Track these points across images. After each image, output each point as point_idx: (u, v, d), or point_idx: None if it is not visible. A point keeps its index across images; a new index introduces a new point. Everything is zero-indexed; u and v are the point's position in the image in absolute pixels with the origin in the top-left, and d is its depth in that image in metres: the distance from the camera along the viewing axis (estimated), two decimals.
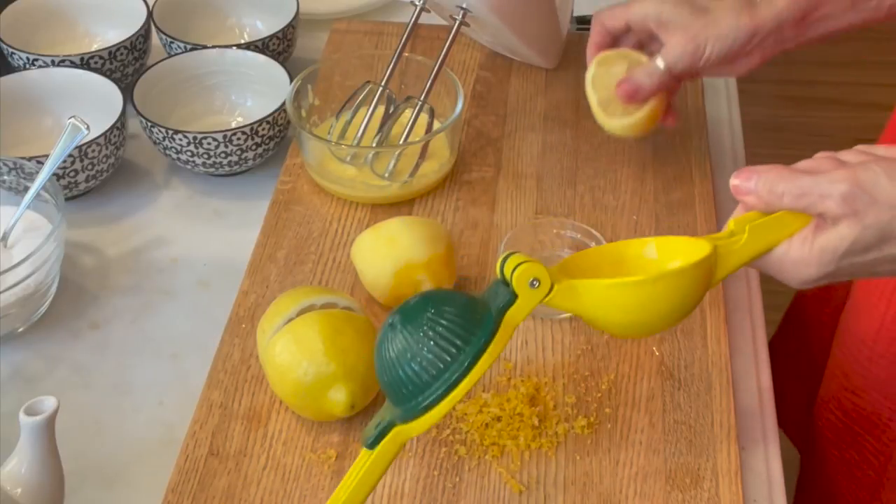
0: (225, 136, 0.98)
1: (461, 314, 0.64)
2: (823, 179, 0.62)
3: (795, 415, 1.12)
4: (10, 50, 1.08)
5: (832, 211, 0.62)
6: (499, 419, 0.79)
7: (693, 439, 0.78)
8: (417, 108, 0.97)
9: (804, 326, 1.12)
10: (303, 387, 0.76)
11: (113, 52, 1.07)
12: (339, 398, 0.75)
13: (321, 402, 0.76)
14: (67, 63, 1.06)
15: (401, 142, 0.96)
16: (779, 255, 0.65)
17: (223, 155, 0.99)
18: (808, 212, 0.64)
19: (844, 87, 2.67)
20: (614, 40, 0.92)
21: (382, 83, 1.00)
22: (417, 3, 1.00)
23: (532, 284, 0.64)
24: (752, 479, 0.78)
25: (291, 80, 1.01)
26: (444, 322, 0.63)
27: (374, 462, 0.65)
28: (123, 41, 1.08)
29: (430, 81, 0.96)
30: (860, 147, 0.66)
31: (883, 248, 0.63)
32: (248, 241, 0.94)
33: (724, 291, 0.89)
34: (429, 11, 1.01)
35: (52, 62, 1.06)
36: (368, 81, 1.00)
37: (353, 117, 1.00)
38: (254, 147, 1.00)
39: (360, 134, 0.99)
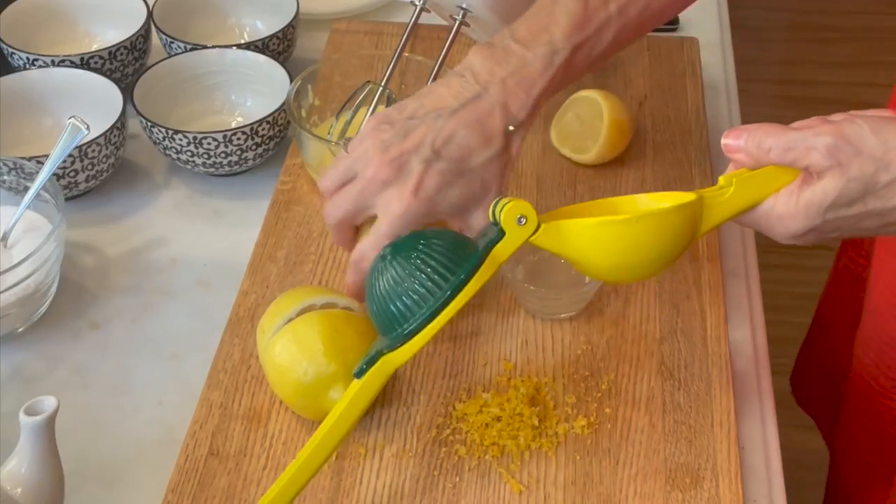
0: (225, 136, 0.98)
1: (450, 248, 0.67)
2: (809, 133, 0.64)
3: (826, 419, 1.12)
4: (10, 50, 1.08)
5: (817, 163, 0.63)
6: (499, 419, 0.79)
7: (693, 439, 0.78)
8: None
9: (829, 330, 1.11)
10: (303, 387, 0.76)
11: (113, 52, 1.07)
12: (338, 398, 0.75)
13: (321, 402, 0.76)
14: (67, 63, 1.06)
15: None
16: (765, 210, 0.66)
17: (223, 155, 0.99)
18: (794, 166, 0.65)
19: (844, 87, 2.67)
20: None
21: (382, 83, 0.99)
22: (417, 3, 1.00)
23: (519, 221, 0.67)
24: (752, 479, 0.78)
25: (291, 80, 1.01)
26: (433, 254, 0.67)
27: (362, 390, 0.68)
28: (123, 41, 1.08)
29: (430, 81, 0.96)
30: (852, 112, 0.67)
31: (867, 202, 0.64)
32: (248, 241, 0.94)
33: (724, 291, 0.89)
34: (429, 11, 1.01)
35: (52, 62, 1.06)
36: (368, 81, 1.00)
37: (353, 117, 1.00)
38: (254, 147, 1.00)
39: None
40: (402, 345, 0.68)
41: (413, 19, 1.00)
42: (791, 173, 0.66)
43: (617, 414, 0.80)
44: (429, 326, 0.67)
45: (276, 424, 0.79)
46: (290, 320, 0.78)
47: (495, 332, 0.86)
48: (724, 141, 0.68)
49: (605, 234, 0.67)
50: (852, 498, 1.02)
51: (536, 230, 0.68)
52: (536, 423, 0.78)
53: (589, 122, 0.99)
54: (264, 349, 0.79)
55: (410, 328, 0.67)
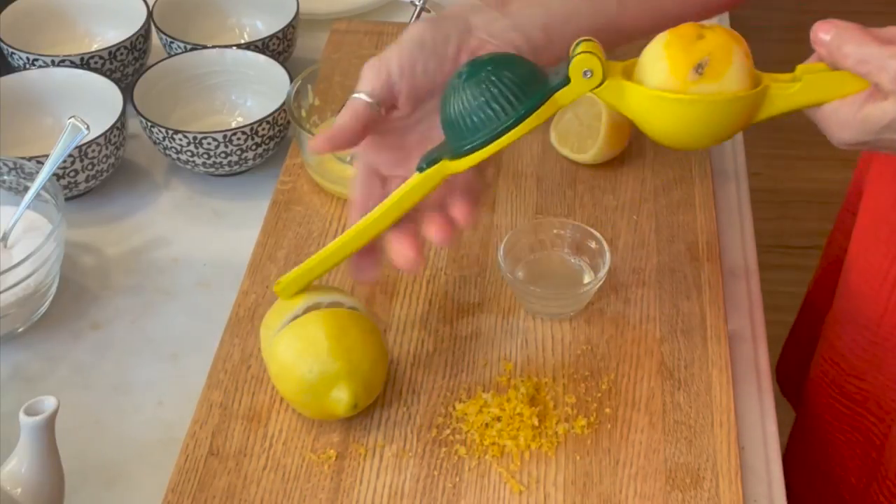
0: (225, 136, 0.98)
1: (518, 81, 0.70)
2: (887, 52, 0.64)
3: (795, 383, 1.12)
4: (10, 50, 1.08)
5: (885, 85, 0.64)
6: (499, 419, 0.79)
7: (693, 439, 0.78)
8: None
9: (818, 318, 1.12)
10: (306, 384, 0.76)
11: (113, 52, 1.07)
12: (342, 397, 0.75)
13: (323, 400, 0.76)
14: (67, 63, 1.06)
15: None
16: (828, 111, 0.67)
17: (223, 155, 0.99)
18: (867, 79, 0.65)
19: None
20: None
21: None
22: (417, 3, 1.00)
23: (585, 74, 0.68)
24: (752, 479, 0.78)
25: (291, 80, 1.01)
26: (501, 83, 0.69)
27: (418, 183, 0.72)
28: (123, 41, 1.08)
29: None
30: None
31: None
32: (248, 241, 0.94)
33: (724, 291, 0.89)
34: (429, 11, 1.01)
35: (52, 62, 1.06)
36: None
37: None
38: (254, 147, 1.00)
39: None
40: (459, 158, 0.71)
41: (413, 19, 1.00)
42: (862, 83, 0.66)
43: (617, 414, 0.80)
44: (486, 148, 0.70)
45: (276, 424, 0.79)
46: (295, 317, 0.78)
47: (495, 332, 0.86)
48: (813, 30, 0.67)
49: (665, 106, 0.67)
50: (815, 478, 1.03)
51: (600, 84, 0.68)
52: (536, 423, 0.78)
53: (588, 122, 0.99)
54: (268, 345, 0.78)
55: (469, 146, 0.70)
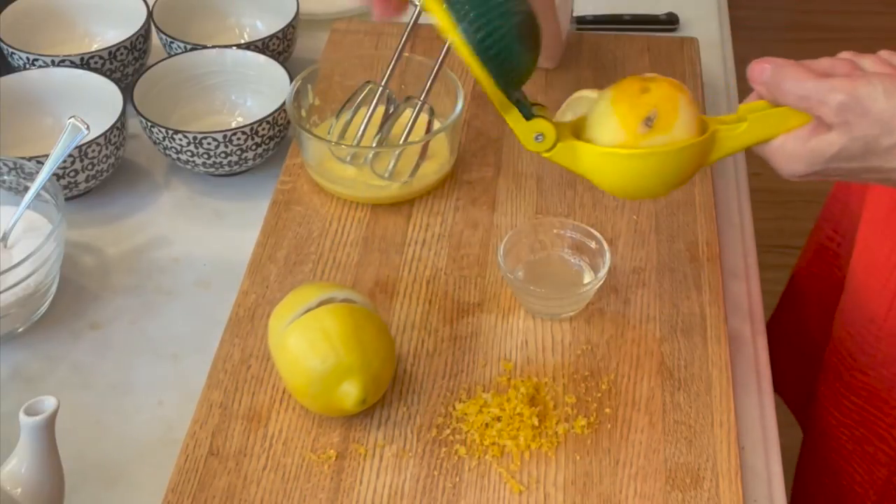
0: (225, 136, 0.98)
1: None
2: (825, 86, 0.66)
3: (798, 395, 1.13)
4: (10, 50, 1.08)
5: (827, 117, 0.66)
6: (499, 419, 0.79)
7: (693, 439, 0.78)
8: (417, 108, 0.97)
9: (802, 305, 1.12)
10: (317, 375, 0.75)
11: (113, 52, 1.07)
12: (351, 391, 0.75)
13: (332, 393, 0.76)
14: (67, 63, 1.06)
15: (401, 142, 0.96)
16: (775, 146, 0.69)
17: (223, 155, 0.99)
18: (809, 113, 0.68)
19: None
20: None
21: (382, 83, 0.99)
22: (417, 3, 1.00)
23: (537, 138, 0.71)
24: (752, 479, 0.78)
25: (291, 80, 1.01)
26: None
27: None
28: (123, 41, 1.08)
29: (430, 81, 0.96)
30: (883, 53, 0.69)
31: (867, 160, 0.67)
32: (248, 241, 0.94)
33: (724, 291, 0.89)
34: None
35: (52, 62, 1.06)
36: (368, 81, 1.00)
37: (353, 117, 1.00)
38: (254, 147, 1.00)
39: (360, 134, 0.99)
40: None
41: (413, 19, 1.00)
42: (804, 117, 0.68)
43: (617, 414, 0.80)
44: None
45: (276, 424, 0.79)
46: (309, 310, 0.78)
47: (495, 332, 0.86)
48: (749, 69, 0.70)
49: (618, 162, 0.69)
50: (824, 475, 1.03)
51: (551, 148, 0.71)
52: (536, 423, 0.78)
53: None
54: (279, 336, 0.78)
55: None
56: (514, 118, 0.72)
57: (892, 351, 0.91)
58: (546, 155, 0.71)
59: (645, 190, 0.72)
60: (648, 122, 0.68)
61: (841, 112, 0.65)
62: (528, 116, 0.71)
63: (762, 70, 0.69)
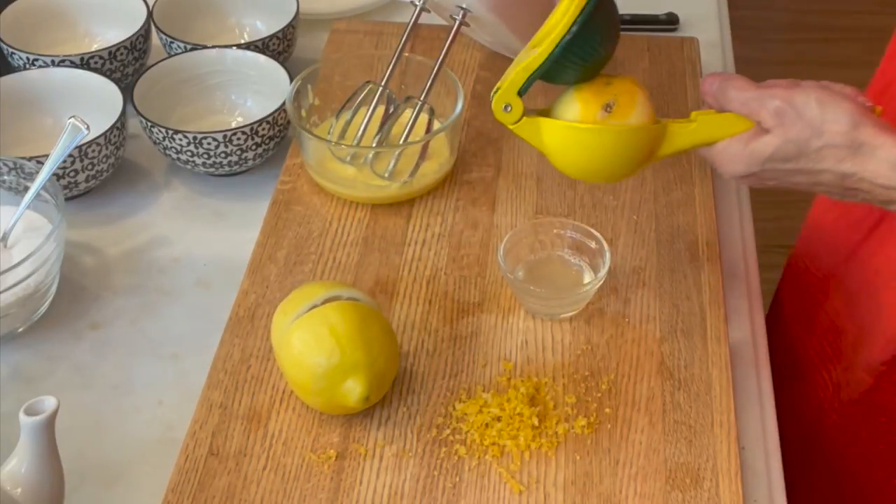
0: (225, 136, 0.98)
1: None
2: (766, 94, 0.74)
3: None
4: (10, 50, 1.08)
5: (766, 121, 0.74)
6: (499, 419, 0.79)
7: (693, 439, 0.78)
8: (417, 108, 0.97)
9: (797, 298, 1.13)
10: (322, 372, 0.75)
11: (113, 52, 1.07)
12: (355, 388, 0.75)
13: (336, 390, 0.76)
14: (67, 63, 1.06)
15: (401, 142, 0.96)
16: (720, 149, 0.76)
17: (223, 155, 0.99)
18: (750, 118, 0.75)
19: None
20: None
21: (382, 83, 1.00)
22: (417, 3, 1.00)
23: (505, 108, 0.76)
24: (752, 479, 0.78)
25: (291, 80, 1.01)
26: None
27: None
28: (123, 41, 1.08)
29: (430, 81, 0.96)
30: (823, 82, 0.76)
31: (800, 161, 0.73)
32: (248, 241, 0.94)
33: (724, 291, 0.89)
34: (429, 11, 1.01)
35: (52, 62, 1.06)
36: (368, 81, 1.00)
37: (353, 117, 1.00)
38: (254, 147, 1.00)
39: (360, 134, 0.99)
40: None
41: (413, 19, 1.00)
42: (747, 123, 0.75)
43: (617, 414, 0.80)
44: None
45: (276, 424, 0.79)
46: (314, 307, 0.78)
47: (495, 332, 0.86)
48: (701, 82, 0.78)
49: (576, 136, 0.75)
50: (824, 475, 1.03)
51: (518, 121, 0.76)
52: (536, 423, 0.78)
53: None
54: (284, 332, 0.78)
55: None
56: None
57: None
58: (512, 127, 0.76)
59: (599, 171, 0.78)
60: (607, 107, 0.75)
61: (777, 115, 0.73)
62: (491, 98, 0.77)
63: (711, 82, 0.77)
